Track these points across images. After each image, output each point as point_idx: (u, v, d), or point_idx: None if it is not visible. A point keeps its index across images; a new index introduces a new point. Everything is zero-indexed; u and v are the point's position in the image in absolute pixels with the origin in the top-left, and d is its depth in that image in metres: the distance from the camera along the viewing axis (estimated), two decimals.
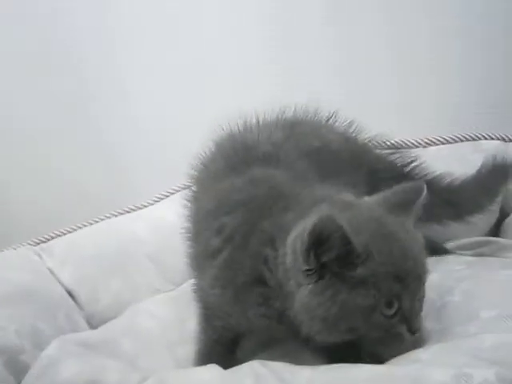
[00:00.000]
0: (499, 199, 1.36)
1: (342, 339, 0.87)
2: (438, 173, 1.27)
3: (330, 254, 0.82)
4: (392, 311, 0.85)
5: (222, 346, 1.06)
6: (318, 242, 0.81)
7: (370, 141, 1.27)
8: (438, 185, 1.25)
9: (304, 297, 0.85)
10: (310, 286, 0.84)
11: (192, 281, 1.12)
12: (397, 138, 1.43)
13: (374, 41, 1.66)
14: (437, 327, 0.98)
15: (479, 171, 1.25)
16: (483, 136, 1.46)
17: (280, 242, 0.89)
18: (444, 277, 1.10)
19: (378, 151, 1.28)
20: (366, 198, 0.97)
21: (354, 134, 1.24)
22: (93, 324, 1.30)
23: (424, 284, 0.88)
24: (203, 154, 1.15)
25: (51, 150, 1.79)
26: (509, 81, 1.65)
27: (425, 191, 0.93)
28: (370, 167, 1.20)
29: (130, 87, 1.75)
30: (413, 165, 1.27)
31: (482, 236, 1.37)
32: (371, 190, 1.09)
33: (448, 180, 1.26)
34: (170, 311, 1.25)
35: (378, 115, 1.51)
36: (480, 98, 1.65)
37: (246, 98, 1.43)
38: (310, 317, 0.85)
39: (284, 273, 0.87)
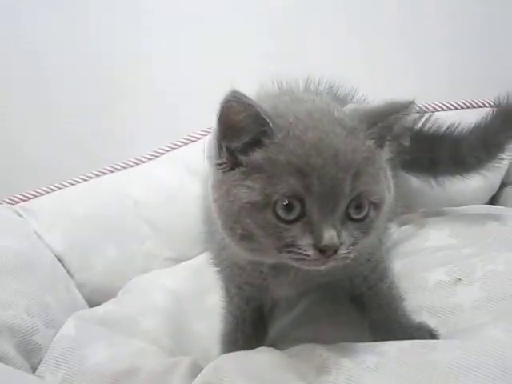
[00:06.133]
0: (504, 168, 1.36)
1: (251, 250, 0.76)
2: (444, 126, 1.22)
3: (241, 140, 0.72)
4: (291, 216, 0.71)
5: (247, 324, 0.98)
6: (228, 127, 0.72)
7: None
8: (442, 139, 1.21)
9: (210, 194, 0.76)
10: (212, 181, 0.75)
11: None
12: None
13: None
14: (483, 295, 0.96)
15: (486, 121, 1.19)
16: (488, 103, 1.42)
17: None
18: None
19: None
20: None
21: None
22: (84, 293, 1.19)
23: (344, 197, 0.72)
24: None
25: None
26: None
27: (406, 109, 0.78)
28: None
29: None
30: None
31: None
32: None
33: (452, 133, 1.21)
34: (183, 284, 1.16)
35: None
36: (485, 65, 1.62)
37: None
38: (216, 218, 0.75)
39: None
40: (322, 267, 0.73)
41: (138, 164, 1.34)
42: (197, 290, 1.13)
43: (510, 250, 1.06)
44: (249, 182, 0.71)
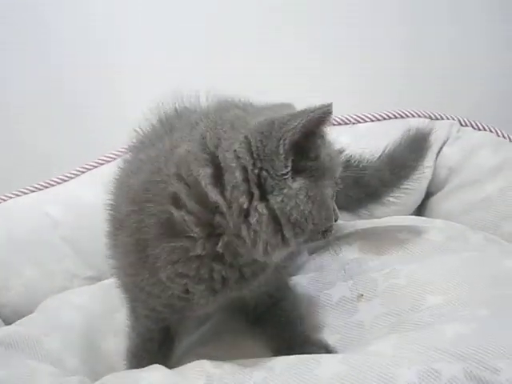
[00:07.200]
0: (427, 178, 1.37)
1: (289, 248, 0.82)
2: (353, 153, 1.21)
3: (316, 149, 0.79)
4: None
5: (153, 342, 0.98)
6: (312, 136, 0.77)
7: None
8: (352, 165, 1.19)
9: (277, 203, 0.77)
10: (286, 190, 0.77)
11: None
12: None
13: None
14: (382, 310, 0.97)
15: (396, 145, 1.19)
16: (411, 113, 1.46)
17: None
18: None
19: None
20: None
21: None
22: (4, 315, 1.20)
23: None
24: None
25: None
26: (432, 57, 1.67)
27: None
28: None
29: None
30: None
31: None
32: None
33: (363, 160, 1.21)
34: (95, 302, 1.16)
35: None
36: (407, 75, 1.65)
37: None
38: (273, 227, 0.78)
39: (229, 193, 0.77)
40: None
41: (59, 183, 1.34)
42: (108, 308, 1.13)
43: (416, 262, 1.06)
44: (322, 183, 0.80)
